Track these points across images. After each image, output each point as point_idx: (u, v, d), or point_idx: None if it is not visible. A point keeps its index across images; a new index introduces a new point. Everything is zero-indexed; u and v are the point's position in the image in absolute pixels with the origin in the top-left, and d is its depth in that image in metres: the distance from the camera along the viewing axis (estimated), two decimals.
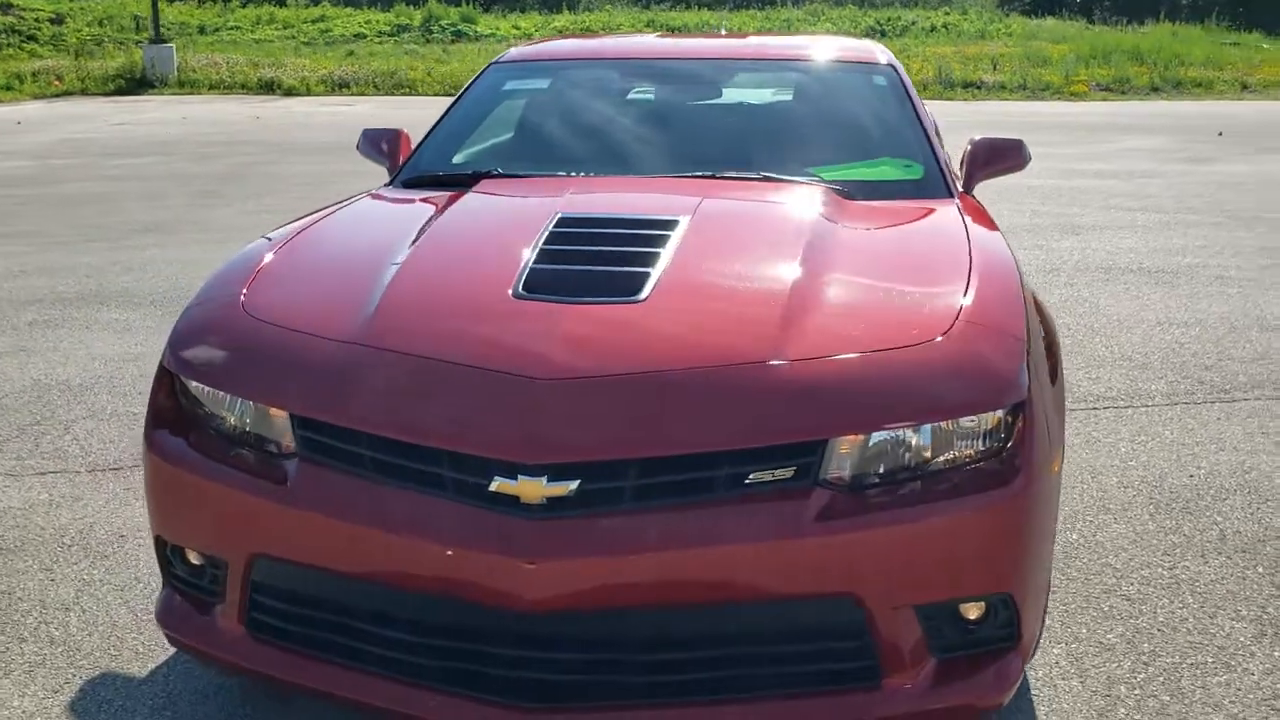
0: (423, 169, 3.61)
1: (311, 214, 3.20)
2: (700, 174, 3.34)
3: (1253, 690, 2.73)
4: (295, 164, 12.47)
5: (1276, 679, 2.78)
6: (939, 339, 2.28)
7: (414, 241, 2.79)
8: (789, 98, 3.86)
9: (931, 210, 3.14)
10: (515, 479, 2.08)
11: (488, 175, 3.41)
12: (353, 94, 24.13)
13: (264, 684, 2.65)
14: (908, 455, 2.19)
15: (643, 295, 2.38)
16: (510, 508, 2.09)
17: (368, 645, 2.25)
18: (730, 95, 3.90)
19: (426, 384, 2.23)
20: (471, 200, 3.13)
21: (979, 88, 25.03)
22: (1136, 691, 2.73)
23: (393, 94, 24.56)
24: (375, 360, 2.28)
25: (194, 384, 2.45)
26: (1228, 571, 3.30)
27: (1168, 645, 2.92)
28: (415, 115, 17.46)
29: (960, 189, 3.45)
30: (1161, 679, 2.77)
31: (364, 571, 2.20)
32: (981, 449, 2.22)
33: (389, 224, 3.13)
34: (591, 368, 2.17)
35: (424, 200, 3.27)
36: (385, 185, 3.59)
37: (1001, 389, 2.23)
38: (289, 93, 23.95)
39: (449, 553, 2.10)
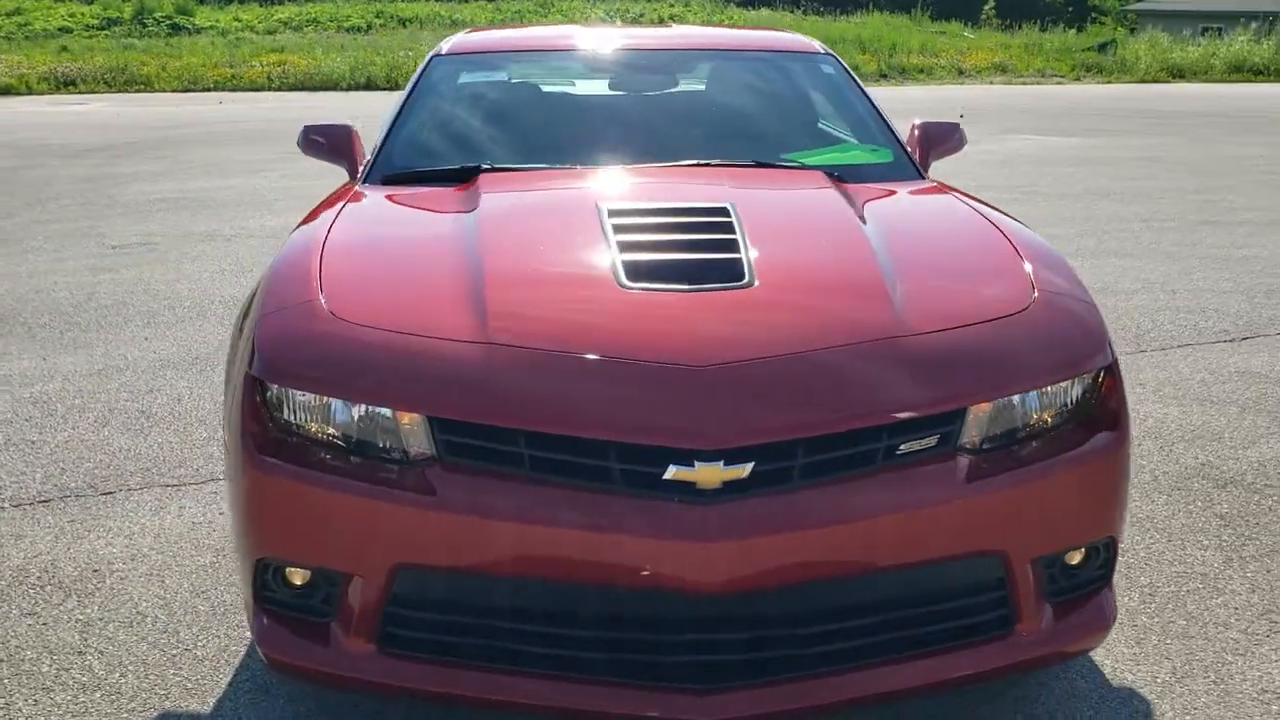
0: (399, 165, 3.50)
1: (309, 218, 3.07)
2: (691, 162, 3.40)
3: (1246, 608, 3.07)
4: (63, 168, 11.57)
5: (1262, 595, 3.14)
6: (1029, 309, 2.45)
7: (472, 238, 2.73)
8: (748, 87, 3.97)
9: (923, 190, 3.33)
10: (693, 465, 2.10)
11: (477, 170, 3.35)
12: (81, 92, 22.52)
13: (367, 699, 2.56)
14: (1024, 417, 2.35)
15: (749, 281, 2.44)
16: (686, 494, 2.11)
17: (526, 646, 2.22)
18: (689, 85, 3.97)
19: (578, 378, 2.20)
20: (498, 194, 3.08)
21: None
22: (1157, 619, 3.01)
23: (126, 90, 23.11)
24: (515, 358, 2.24)
25: (300, 394, 2.31)
26: (1174, 509, 3.67)
27: (1160, 577, 3.23)
28: (170, 113, 16.50)
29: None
30: (1171, 606, 3.07)
31: (525, 571, 2.16)
32: (1084, 405, 2.42)
33: (422, 222, 3.03)
34: (745, 352, 2.22)
35: (430, 196, 3.20)
36: (361, 183, 3.46)
37: (1095, 350, 2.43)
38: (6, 91, 22.11)
39: (624, 544, 2.10)
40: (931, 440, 2.24)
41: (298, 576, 2.35)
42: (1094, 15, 50.54)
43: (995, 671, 2.32)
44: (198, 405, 4.61)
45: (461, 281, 2.50)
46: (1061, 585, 2.42)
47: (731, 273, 2.48)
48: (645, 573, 2.11)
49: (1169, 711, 2.62)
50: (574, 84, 3.90)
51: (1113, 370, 2.45)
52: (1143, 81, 28.73)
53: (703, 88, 3.95)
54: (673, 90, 3.93)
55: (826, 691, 2.20)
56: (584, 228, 2.73)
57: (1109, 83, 28.72)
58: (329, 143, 3.72)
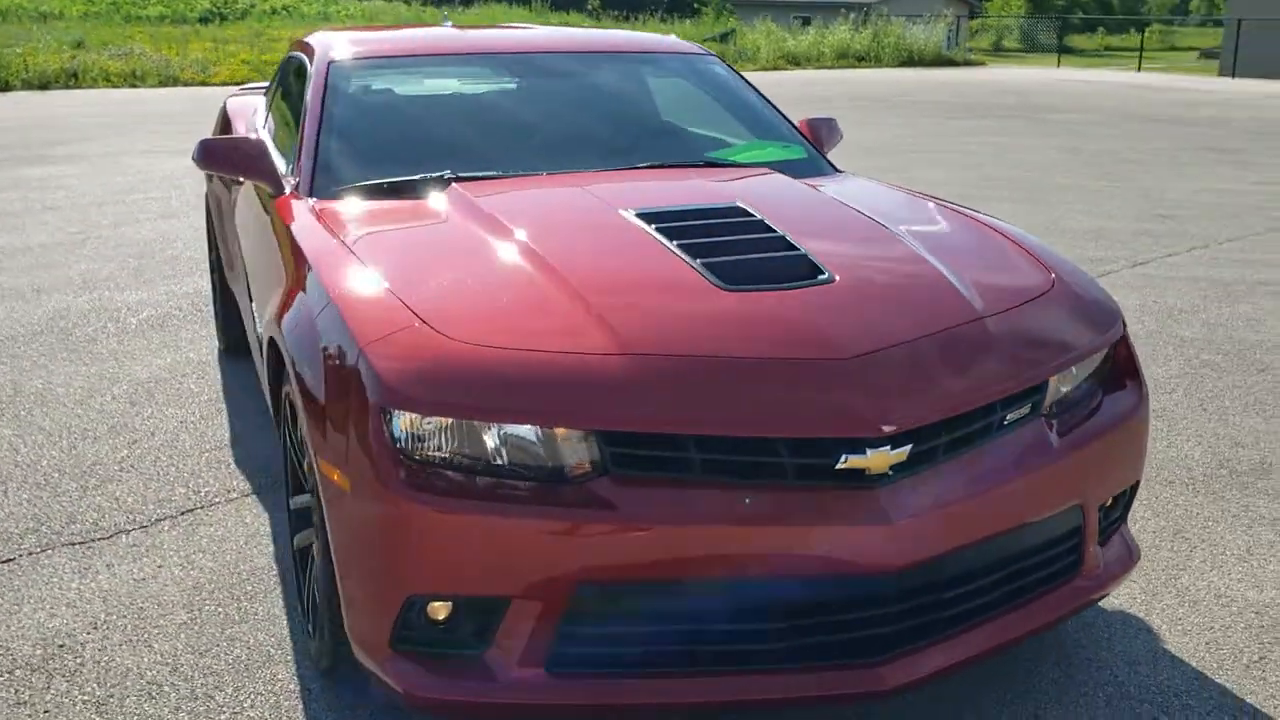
0: (346, 180, 3.33)
1: (301, 249, 2.91)
2: (646, 164, 3.48)
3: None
4: None
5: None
6: (1055, 288, 2.75)
7: (526, 248, 2.69)
8: (654, 88, 4.05)
9: (861, 186, 3.58)
10: (865, 453, 2.22)
11: (443, 180, 3.27)
12: None
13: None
14: (1075, 380, 2.66)
15: (829, 276, 2.58)
16: (857, 481, 2.24)
17: (702, 646, 2.26)
18: (594, 86, 3.99)
19: (733, 380, 2.27)
20: (500, 202, 3.03)
21: None
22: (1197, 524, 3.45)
23: None
24: (670, 366, 2.26)
25: (435, 421, 2.22)
26: None
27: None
28: None
29: None
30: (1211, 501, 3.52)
31: (707, 573, 2.21)
32: (1115, 365, 2.76)
33: (453, 237, 2.91)
34: (873, 343, 2.36)
35: (417, 209, 3.10)
36: (306, 199, 3.26)
37: (1115, 317, 2.78)
38: None
39: (806, 534, 2.20)
40: (1026, 409, 2.50)
41: (442, 611, 2.27)
42: (696, 6, 53.61)
43: (1072, 612, 2.62)
44: (38, 454, 4.14)
45: (554, 293, 2.48)
46: (1102, 527, 2.75)
47: (809, 270, 2.61)
48: (828, 559, 2.22)
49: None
50: (487, 89, 3.84)
51: (1126, 332, 2.81)
52: (764, 69, 30.86)
53: (611, 90, 4.00)
54: (584, 93, 3.96)
55: (974, 643, 2.40)
56: (630, 233, 2.77)
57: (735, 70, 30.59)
58: (237, 157, 3.47)
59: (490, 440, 2.23)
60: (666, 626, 2.26)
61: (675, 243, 2.70)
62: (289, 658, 2.87)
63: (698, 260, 2.61)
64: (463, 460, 2.23)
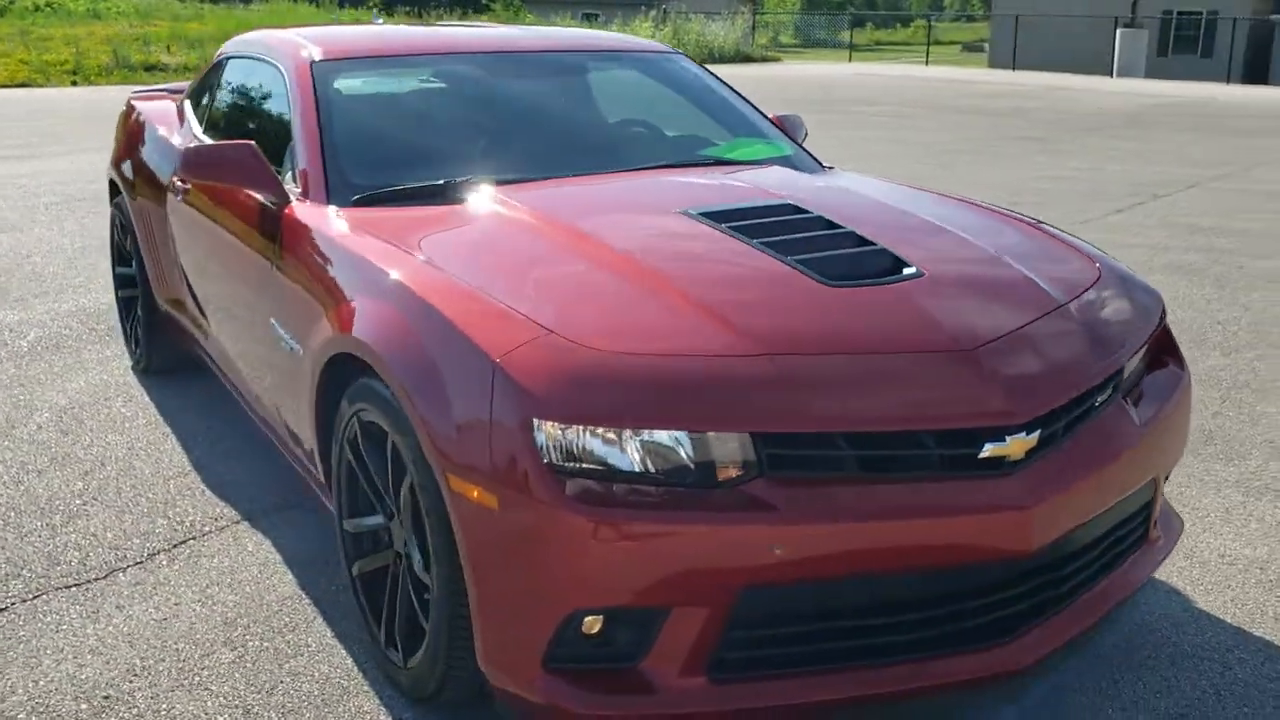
0: (366, 185, 3.18)
1: (345, 262, 2.78)
2: (657, 164, 3.47)
3: None
4: None
5: None
6: (1103, 277, 2.89)
7: (614, 251, 2.64)
8: (635, 88, 4.02)
9: (868, 180, 3.65)
10: (1004, 440, 2.29)
11: (467, 184, 3.18)
12: None
13: None
14: (1137, 364, 2.80)
15: (917, 270, 2.64)
16: (996, 469, 2.30)
17: (860, 640, 2.29)
18: (583, 86, 3.93)
19: (871, 375, 2.30)
20: (561, 205, 2.96)
21: (163, 70, 24.29)
22: None
23: None
24: (812, 365, 2.27)
25: (586, 429, 2.16)
26: None
27: None
28: None
29: None
30: None
31: (864, 568, 2.23)
32: (1162, 345, 2.92)
33: (523, 242, 2.80)
34: (989, 332, 2.43)
35: (456, 214, 3.00)
36: (326, 205, 3.11)
37: (1159, 301, 2.94)
38: None
39: (957, 523, 2.25)
40: (1109, 390, 2.62)
41: (595, 625, 2.22)
42: (486, 1, 53.14)
43: (1146, 579, 2.76)
44: None
45: (663, 296, 2.46)
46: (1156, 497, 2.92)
47: (893, 264, 2.66)
48: (972, 547, 2.28)
49: None
50: (478, 90, 3.72)
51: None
52: None
53: (600, 90, 3.95)
54: (576, 93, 3.90)
55: (1083, 616, 2.50)
56: (707, 234, 2.77)
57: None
58: (231, 165, 3.27)
59: (641, 448, 2.18)
60: (822, 624, 2.27)
61: (757, 241, 2.71)
62: (366, 688, 2.74)
63: (790, 258, 2.62)
64: (616, 469, 2.18)
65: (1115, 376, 2.62)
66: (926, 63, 36.45)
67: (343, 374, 2.74)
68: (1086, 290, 2.78)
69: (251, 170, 3.25)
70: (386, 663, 2.71)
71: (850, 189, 3.35)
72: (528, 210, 2.94)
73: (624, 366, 2.23)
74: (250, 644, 2.92)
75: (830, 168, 3.84)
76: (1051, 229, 3.20)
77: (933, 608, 2.32)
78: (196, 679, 2.78)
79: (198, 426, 4.39)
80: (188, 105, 4.58)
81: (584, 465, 2.17)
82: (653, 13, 35.87)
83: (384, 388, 2.50)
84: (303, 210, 3.13)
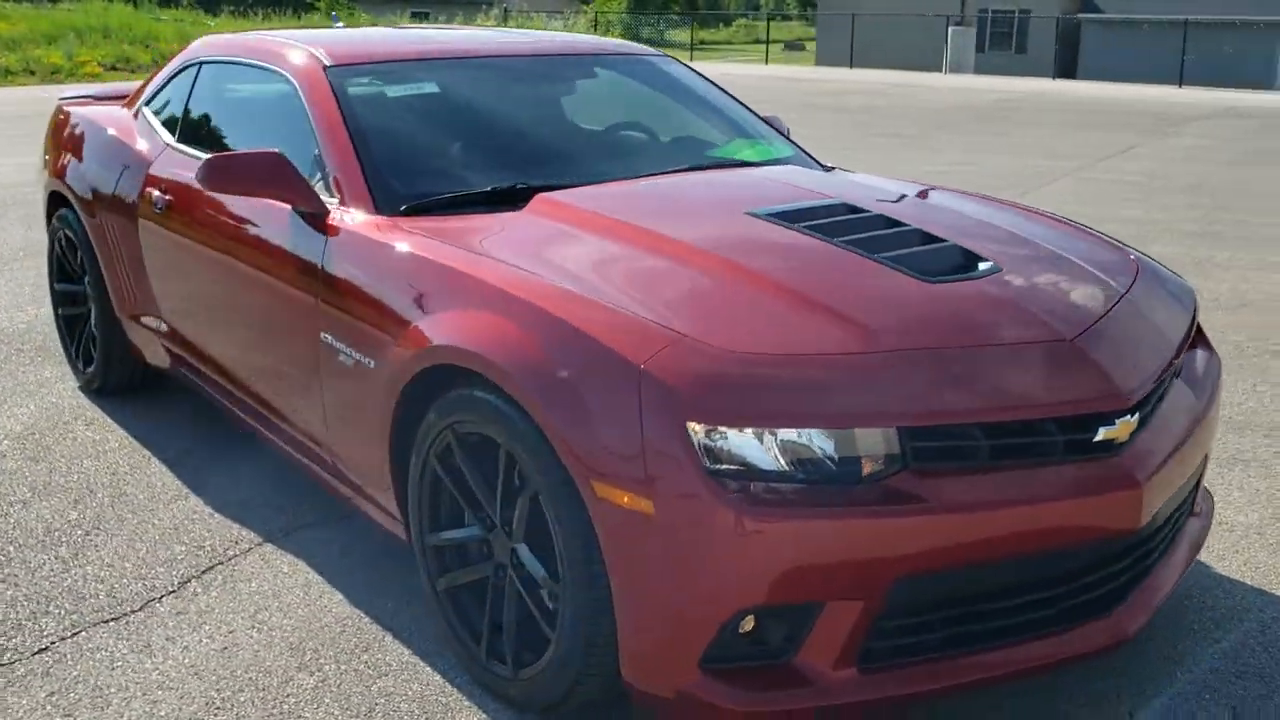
0: (415, 194, 3.12)
1: (428, 278, 2.75)
2: (683, 167, 3.51)
3: None
4: None
5: None
6: (1141, 269, 3.05)
7: (703, 256, 2.67)
8: (637, 92, 4.02)
9: (875, 179, 3.76)
10: (1114, 423, 2.42)
11: (512, 191, 3.16)
12: None
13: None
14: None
15: (993, 265, 2.75)
16: (1107, 450, 2.42)
17: (997, 621, 2.38)
18: (591, 90, 3.92)
19: (994, 366, 2.39)
20: (632, 210, 2.96)
21: None
22: None
23: None
24: (944, 359, 2.36)
25: (737, 430, 2.19)
26: None
27: None
28: None
29: None
30: None
31: (1000, 553, 2.32)
32: (1197, 330, 3.12)
33: (610, 248, 2.78)
34: (1084, 320, 2.56)
35: (521, 220, 2.98)
36: (374, 216, 3.04)
37: (1191, 290, 3.13)
38: None
39: (1084, 505, 2.36)
40: (1175, 372, 2.79)
41: (749, 623, 2.26)
42: (311, 1, 51.73)
43: (1200, 548, 2.94)
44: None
45: (776, 296, 2.51)
46: None
47: (969, 259, 2.77)
48: (1095, 526, 2.40)
49: None
50: (503, 95, 3.67)
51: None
52: None
53: (611, 94, 3.95)
54: (589, 97, 3.89)
55: (1165, 584, 2.66)
56: (787, 234, 2.82)
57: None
58: (261, 175, 3.16)
59: (792, 446, 2.22)
60: (964, 608, 2.35)
61: (838, 240, 2.77)
62: (467, 703, 2.70)
63: (878, 256, 2.70)
64: (770, 469, 2.21)
65: (1177, 358, 2.78)
66: (766, 61, 37.23)
67: (427, 386, 2.69)
68: (1136, 280, 2.94)
69: (284, 179, 3.15)
70: (487, 675, 2.68)
71: (881, 187, 3.45)
72: (597, 214, 2.94)
73: (771, 367, 2.27)
74: (326, 668, 2.84)
75: (832, 168, 3.93)
76: (1071, 221, 3.36)
77: (1054, 586, 2.43)
78: (285, 707, 2.69)
79: (176, 447, 4.21)
80: (147, 114, 4.38)
81: (739, 466, 2.19)
82: (494, 11, 35.65)
83: (496, 398, 2.47)
84: (352, 220, 3.05)
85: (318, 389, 3.13)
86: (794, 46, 56.56)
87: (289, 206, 3.22)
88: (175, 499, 3.79)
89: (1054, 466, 2.37)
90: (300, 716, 2.66)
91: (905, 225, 2.93)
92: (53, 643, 2.96)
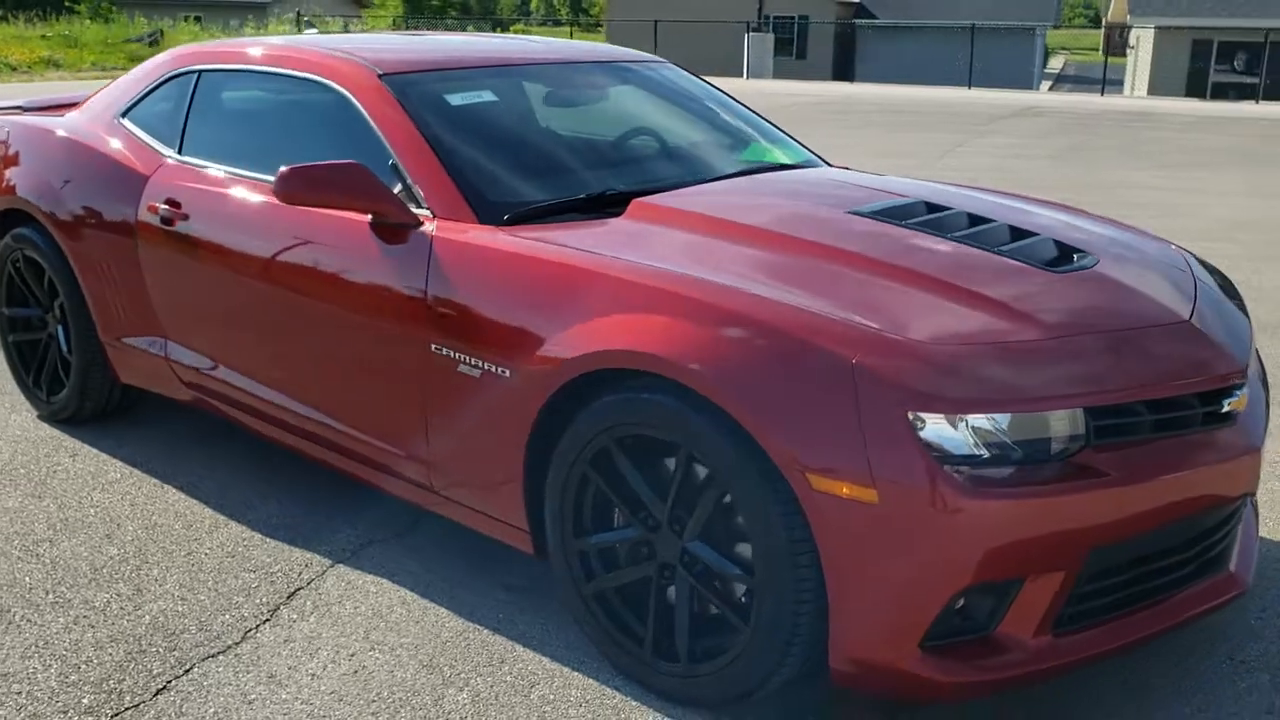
0: (514, 202, 3.11)
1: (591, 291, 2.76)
2: (735, 170, 3.62)
3: None
4: None
5: None
6: (1184, 253, 3.35)
7: (843, 254, 2.79)
8: (658, 97, 4.06)
9: (901, 179, 3.95)
10: (1236, 394, 2.67)
11: (603, 197, 3.20)
12: None
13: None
14: None
15: (1093, 257, 2.97)
16: (1229, 420, 2.67)
17: (1157, 580, 2.59)
18: (625, 96, 3.95)
19: (1144, 347, 2.61)
20: (739, 212, 3.04)
21: None
22: None
23: None
24: (1113, 342, 2.56)
25: (956, 417, 2.32)
26: None
27: None
28: None
29: None
30: None
31: (1164, 517, 2.52)
32: None
33: (743, 250, 2.84)
34: (1186, 306, 2.81)
35: (630, 228, 3.02)
36: (478, 225, 3.03)
37: (1228, 279, 3.44)
38: None
39: (1225, 470, 2.60)
40: None
41: (959, 600, 2.39)
42: (68, 5, 48.80)
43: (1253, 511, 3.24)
44: (9, 573, 3.35)
45: (942, 292, 2.65)
46: None
47: (1067, 251, 2.98)
48: (1226, 490, 2.64)
49: None
50: (552, 102, 3.66)
51: None
52: None
53: (637, 99, 3.99)
54: (632, 104, 3.93)
55: (1249, 544, 2.93)
56: (904, 233, 2.97)
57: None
58: (345, 185, 3.09)
59: (996, 430, 2.36)
60: (1132, 571, 2.55)
61: (949, 236, 2.94)
62: (634, 704, 2.73)
63: (995, 249, 2.88)
64: (982, 453, 2.35)
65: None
66: None
67: (576, 391, 2.71)
68: (1191, 265, 3.22)
69: (372, 191, 3.09)
70: (652, 674, 2.72)
71: (931, 186, 3.63)
72: (710, 217, 3.01)
73: (970, 356, 2.41)
74: (474, 682, 2.82)
75: (846, 169, 4.11)
76: (1095, 214, 3.64)
77: (1193, 545, 2.66)
78: None
79: (184, 473, 4.02)
80: (128, 125, 4.16)
81: (954, 452, 2.33)
82: (250, 15, 34.56)
83: (674, 400, 2.52)
84: (457, 232, 3.02)
85: (418, 402, 3.08)
86: None
87: (366, 218, 3.16)
88: (215, 526, 3.63)
89: (1198, 436, 2.59)
90: None
91: (993, 221, 3.12)
92: (169, 682, 2.82)
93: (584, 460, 2.73)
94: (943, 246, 2.90)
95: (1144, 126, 17.00)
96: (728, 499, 2.51)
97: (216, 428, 4.38)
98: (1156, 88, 29.07)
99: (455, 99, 3.46)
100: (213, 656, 2.93)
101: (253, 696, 2.76)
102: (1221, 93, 28.12)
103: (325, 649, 2.96)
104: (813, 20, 43.92)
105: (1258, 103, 23.24)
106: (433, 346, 2.99)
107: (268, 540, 3.54)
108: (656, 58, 4.33)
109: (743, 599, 2.56)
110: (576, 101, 3.86)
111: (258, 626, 3.07)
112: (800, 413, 2.37)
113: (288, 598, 3.21)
